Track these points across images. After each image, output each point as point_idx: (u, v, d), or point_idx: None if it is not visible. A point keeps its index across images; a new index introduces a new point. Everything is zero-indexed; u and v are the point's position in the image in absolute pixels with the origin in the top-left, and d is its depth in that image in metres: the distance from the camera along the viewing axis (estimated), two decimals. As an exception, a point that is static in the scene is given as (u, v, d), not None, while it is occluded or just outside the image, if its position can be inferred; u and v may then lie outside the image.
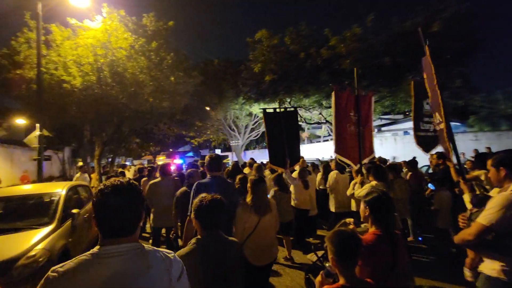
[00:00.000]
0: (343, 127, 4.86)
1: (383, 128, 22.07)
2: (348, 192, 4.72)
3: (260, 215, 2.65)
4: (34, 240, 3.16)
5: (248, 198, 2.75)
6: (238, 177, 3.62)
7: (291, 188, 5.23)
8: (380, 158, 9.51)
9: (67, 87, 9.57)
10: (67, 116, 11.07)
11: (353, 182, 4.71)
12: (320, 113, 13.41)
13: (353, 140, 4.81)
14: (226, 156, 32.30)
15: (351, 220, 2.74)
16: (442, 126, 3.25)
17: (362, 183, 4.31)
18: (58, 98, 10.07)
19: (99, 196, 1.06)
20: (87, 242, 4.45)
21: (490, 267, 1.86)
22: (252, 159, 10.72)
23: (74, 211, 3.93)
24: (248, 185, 2.81)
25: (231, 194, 2.84)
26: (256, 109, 14.54)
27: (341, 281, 1.53)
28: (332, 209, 5.36)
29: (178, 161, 22.90)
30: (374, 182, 3.79)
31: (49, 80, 9.63)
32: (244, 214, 2.66)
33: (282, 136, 5.37)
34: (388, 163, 7.09)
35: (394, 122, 21.89)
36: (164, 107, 11.10)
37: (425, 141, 4.89)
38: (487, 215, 1.77)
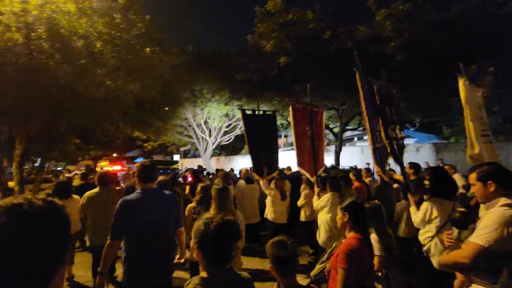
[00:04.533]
0: (300, 141, 5.07)
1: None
2: (299, 203, 5.08)
3: None
4: None
5: (212, 209, 2.68)
6: (200, 185, 3.43)
7: (267, 200, 5.18)
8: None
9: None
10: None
11: (305, 193, 5.01)
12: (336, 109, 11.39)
13: (309, 153, 5.05)
14: (176, 162, 29.43)
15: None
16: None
17: (318, 195, 4.29)
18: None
19: None
20: None
21: None
22: (200, 166, 10.08)
23: None
24: (212, 195, 2.74)
25: (169, 210, 2.50)
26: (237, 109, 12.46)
27: None
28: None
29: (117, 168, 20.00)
30: (330, 193, 3.90)
31: None
32: None
33: (259, 142, 5.28)
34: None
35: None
36: (130, 92, 8.07)
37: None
38: (482, 235, 1.62)
